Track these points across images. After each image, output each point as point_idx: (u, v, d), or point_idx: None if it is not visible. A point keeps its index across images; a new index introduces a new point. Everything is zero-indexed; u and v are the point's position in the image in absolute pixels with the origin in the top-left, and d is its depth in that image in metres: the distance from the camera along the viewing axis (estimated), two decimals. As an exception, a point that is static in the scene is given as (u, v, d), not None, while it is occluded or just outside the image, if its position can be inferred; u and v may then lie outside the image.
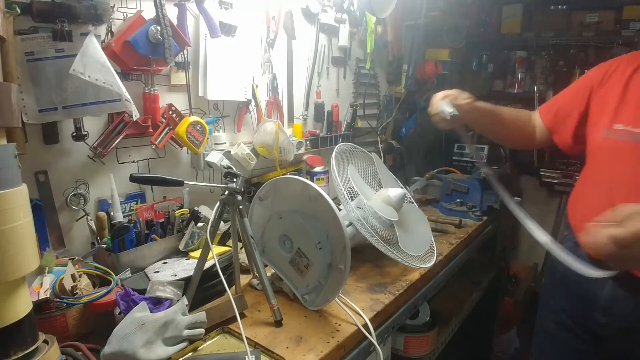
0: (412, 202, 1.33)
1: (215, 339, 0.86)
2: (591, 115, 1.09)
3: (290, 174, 1.57)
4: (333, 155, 1.21)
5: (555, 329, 1.13)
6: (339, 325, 0.89)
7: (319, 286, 0.94)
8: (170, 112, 1.17)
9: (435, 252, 1.23)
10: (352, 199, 1.18)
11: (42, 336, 0.66)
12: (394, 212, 1.14)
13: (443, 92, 1.20)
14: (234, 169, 0.97)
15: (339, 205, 1.21)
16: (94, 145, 1.05)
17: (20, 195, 0.59)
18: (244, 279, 1.07)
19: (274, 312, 0.88)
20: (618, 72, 1.05)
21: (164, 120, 1.16)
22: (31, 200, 0.71)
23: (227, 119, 1.39)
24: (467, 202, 1.71)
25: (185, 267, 0.98)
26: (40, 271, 0.86)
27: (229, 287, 0.85)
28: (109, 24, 1.03)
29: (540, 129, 1.25)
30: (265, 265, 1.01)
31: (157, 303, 0.86)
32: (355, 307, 0.94)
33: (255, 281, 1.05)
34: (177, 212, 1.12)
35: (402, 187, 1.29)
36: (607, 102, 1.05)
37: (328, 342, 0.83)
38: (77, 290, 0.84)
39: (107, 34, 1.04)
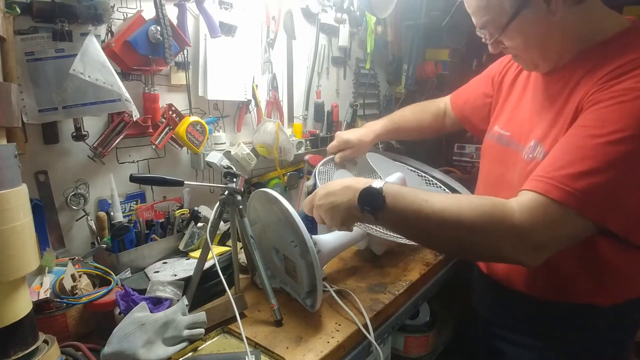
0: (426, 179, 1.30)
1: (215, 339, 0.86)
2: (492, 112, 1.12)
3: (290, 174, 1.57)
4: (316, 171, 1.20)
5: None
6: (339, 325, 0.89)
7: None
8: (170, 112, 1.17)
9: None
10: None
11: (42, 336, 0.66)
12: None
13: (338, 153, 1.27)
14: (234, 169, 0.96)
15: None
16: (94, 145, 1.05)
17: (20, 195, 0.59)
18: (244, 279, 1.07)
19: (274, 312, 0.88)
20: (510, 71, 1.08)
21: (164, 120, 1.16)
22: (31, 200, 0.71)
23: (227, 119, 1.39)
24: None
25: (185, 267, 0.98)
26: (40, 271, 0.86)
27: (229, 287, 0.85)
28: (109, 24, 1.03)
29: (451, 117, 1.31)
30: (277, 290, 1.01)
31: (157, 303, 0.86)
32: (356, 307, 0.94)
33: (258, 279, 1.05)
34: (177, 212, 1.12)
35: (410, 171, 1.27)
36: (498, 102, 1.10)
37: (328, 342, 0.83)
38: (77, 290, 0.84)
39: (107, 34, 1.04)
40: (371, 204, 0.77)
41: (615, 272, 0.83)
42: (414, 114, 1.36)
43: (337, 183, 0.86)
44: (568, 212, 0.67)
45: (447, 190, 1.24)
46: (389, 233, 1.02)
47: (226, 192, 0.91)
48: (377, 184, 0.79)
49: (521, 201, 0.71)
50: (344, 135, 1.27)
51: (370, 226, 1.01)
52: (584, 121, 0.72)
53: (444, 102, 1.35)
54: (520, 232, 0.69)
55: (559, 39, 0.82)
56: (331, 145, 1.28)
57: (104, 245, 1.00)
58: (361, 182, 0.82)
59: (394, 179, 1.09)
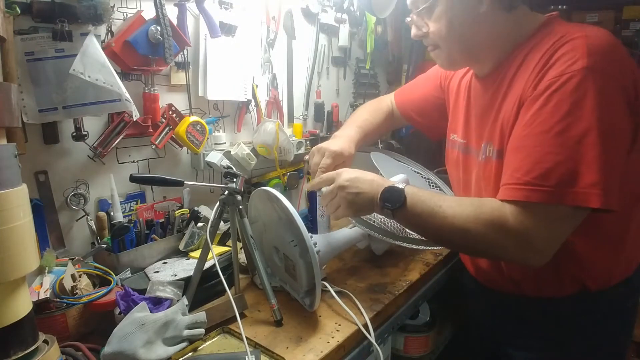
0: (434, 186, 1.30)
1: (215, 339, 0.86)
2: (448, 116, 1.12)
3: (290, 174, 1.57)
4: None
5: None
6: (339, 325, 0.89)
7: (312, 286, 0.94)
8: (170, 112, 1.17)
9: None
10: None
11: (42, 336, 0.66)
12: None
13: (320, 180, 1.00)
14: (234, 169, 0.97)
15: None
16: (94, 145, 1.05)
17: (20, 195, 0.59)
18: (244, 279, 1.07)
19: (274, 312, 0.88)
20: (455, 76, 1.08)
21: (164, 120, 1.16)
22: (31, 200, 0.71)
23: (227, 119, 1.39)
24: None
25: (185, 267, 0.98)
26: (40, 271, 0.86)
27: (229, 287, 0.85)
28: (109, 24, 1.03)
29: (397, 116, 1.30)
30: (278, 290, 1.01)
31: (157, 303, 0.86)
32: (356, 307, 0.94)
33: (258, 279, 1.05)
34: (177, 212, 1.12)
35: (413, 172, 1.26)
36: (449, 108, 1.10)
37: (328, 342, 0.83)
38: (77, 290, 0.84)
39: (107, 34, 1.04)
40: (392, 201, 0.83)
41: (591, 265, 0.86)
42: (372, 116, 1.27)
43: (363, 174, 0.90)
44: (553, 208, 0.71)
45: (444, 192, 1.25)
46: (388, 238, 1.02)
47: (226, 192, 0.91)
48: (399, 185, 0.85)
49: (511, 211, 0.74)
50: (331, 147, 1.07)
51: (370, 228, 1.01)
52: (530, 118, 0.74)
53: (390, 100, 1.31)
54: (521, 239, 0.73)
55: (485, 35, 0.84)
56: (324, 163, 1.04)
57: (104, 245, 1.00)
58: (386, 181, 0.88)
59: (397, 179, 1.08)
